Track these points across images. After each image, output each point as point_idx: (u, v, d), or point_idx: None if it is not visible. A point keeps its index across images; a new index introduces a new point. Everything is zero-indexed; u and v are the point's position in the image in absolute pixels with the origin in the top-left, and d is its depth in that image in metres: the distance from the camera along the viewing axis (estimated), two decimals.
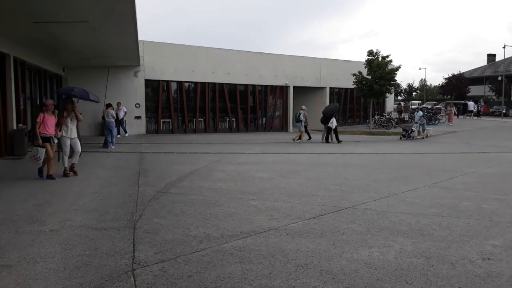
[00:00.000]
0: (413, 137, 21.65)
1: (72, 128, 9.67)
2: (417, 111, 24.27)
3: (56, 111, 9.69)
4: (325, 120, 19.62)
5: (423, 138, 21.73)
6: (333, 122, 19.48)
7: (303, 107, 20.74)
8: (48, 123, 9.13)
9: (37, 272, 4.16)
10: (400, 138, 21.93)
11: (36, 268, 4.27)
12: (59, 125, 9.42)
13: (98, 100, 10.73)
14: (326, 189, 8.40)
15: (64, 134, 9.49)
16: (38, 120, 9.15)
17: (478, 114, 40.39)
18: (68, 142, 9.54)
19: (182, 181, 9.15)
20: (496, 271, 4.28)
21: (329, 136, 19.68)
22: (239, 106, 26.92)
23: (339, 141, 19.23)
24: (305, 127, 20.39)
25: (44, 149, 8.99)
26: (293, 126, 22.41)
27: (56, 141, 9.33)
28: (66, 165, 9.58)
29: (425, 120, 23.35)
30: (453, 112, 31.13)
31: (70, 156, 9.69)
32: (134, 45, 15.53)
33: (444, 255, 4.70)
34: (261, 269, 4.27)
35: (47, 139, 9.07)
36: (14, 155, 12.64)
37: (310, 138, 20.67)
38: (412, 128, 22.02)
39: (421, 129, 22.19)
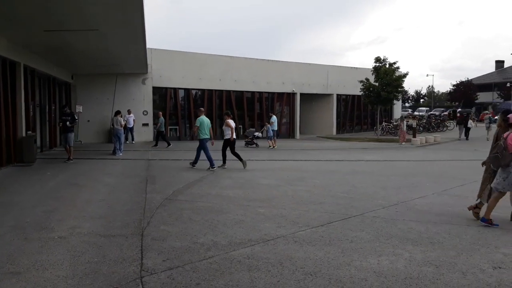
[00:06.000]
0: (257, 144, 20.36)
1: None
2: (271, 116, 21.36)
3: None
4: (462, 121, 26.07)
5: (270, 147, 20.12)
6: (471, 123, 26.07)
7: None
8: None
9: (46, 279, 4.17)
10: (246, 145, 20.54)
11: (45, 275, 4.28)
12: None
13: None
14: (334, 196, 8.36)
15: None
16: None
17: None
18: None
19: (190, 188, 9.16)
20: (507, 279, 4.22)
21: (467, 134, 25.36)
22: (246, 113, 26.97)
23: (467, 139, 25.18)
24: (162, 132, 20.18)
25: None
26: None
27: None
28: None
29: (271, 129, 20.60)
30: (404, 128, 23.66)
31: None
32: (142, 52, 15.66)
33: (455, 263, 4.65)
34: (270, 277, 4.25)
35: None
36: (23, 162, 12.74)
37: (156, 145, 19.74)
38: (255, 133, 20.99)
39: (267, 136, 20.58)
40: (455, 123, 30.92)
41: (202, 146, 12.26)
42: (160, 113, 21.19)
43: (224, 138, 12.47)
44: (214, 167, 11.96)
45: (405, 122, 24.00)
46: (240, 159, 12.28)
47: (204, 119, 12.38)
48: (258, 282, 4.12)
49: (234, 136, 12.45)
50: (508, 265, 4.63)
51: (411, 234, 5.77)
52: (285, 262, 4.64)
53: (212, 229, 5.94)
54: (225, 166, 12.32)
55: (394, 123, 31.31)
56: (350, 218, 6.62)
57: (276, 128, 20.99)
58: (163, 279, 4.19)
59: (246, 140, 21.16)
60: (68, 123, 13.73)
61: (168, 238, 5.50)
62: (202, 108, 13.55)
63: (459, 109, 39.08)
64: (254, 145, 20.64)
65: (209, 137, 12.36)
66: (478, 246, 5.26)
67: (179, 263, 4.60)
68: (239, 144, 20.49)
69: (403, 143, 22.58)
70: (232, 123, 12.50)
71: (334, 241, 5.42)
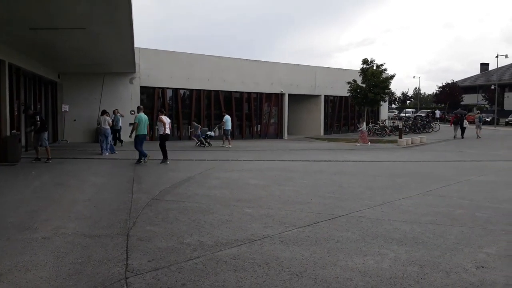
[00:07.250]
0: (208, 144, 20.38)
1: None
2: (225, 115, 21.35)
3: None
4: (458, 122, 27.88)
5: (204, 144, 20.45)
6: (466, 123, 27.78)
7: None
8: None
9: (28, 281, 4.11)
10: (198, 144, 20.57)
11: (28, 276, 4.22)
12: None
13: None
14: (320, 196, 8.39)
15: None
16: None
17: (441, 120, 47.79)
18: None
19: (177, 188, 9.11)
20: (490, 279, 4.28)
21: (463, 133, 27.04)
22: (234, 113, 26.92)
23: (462, 137, 26.86)
24: (119, 130, 19.60)
25: None
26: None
27: None
28: None
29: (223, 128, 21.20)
30: (364, 129, 23.07)
31: None
32: (130, 52, 15.54)
33: (438, 263, 4.70)
34: (256, 277, 4.25)
35: None
36: (8, 161, 12.54)
37: (121, 143, 19.61)
38: (207, 133, 21.04)
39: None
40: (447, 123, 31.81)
41: (138, 141, 13.03)
42: (117, 110, 20.14)
43: (159, 134, 13.44)
44: (141, 162, 13.00)
45: (364, 124, 24.03)
46: (165, 156, 13.10)
47: (142, 116, 13.15)
48: (244, 283, 4.11)
49: (167, 132, 13.29)
50: (491, 264, 4.70)
51: (396, 234, 5.82)
52: (271, 262, 4.64)
53: (199, 229, 5.92)
54: (167, 162, 12.96)
55: (381, 124, 31.56)
56: (336, 218, 6.66)
57: (229, 128, 21.02)
58: (148, 279, 4.16)
59: (198, 139, 21.00)
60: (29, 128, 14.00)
61: (154, 239, 5.46)
62: (141, 106, 14.40)
63: (455, 110, 39.78)
64: (205, 144, 20.34)
65: (146, 133, 13.39)
66: (462, 246, 5.32)
67: (164, 264, 4.57)
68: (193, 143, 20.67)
69: (358, 144, 22.32)
70: (165, 119, 13.29)
71: (320, 241, 5.44)
